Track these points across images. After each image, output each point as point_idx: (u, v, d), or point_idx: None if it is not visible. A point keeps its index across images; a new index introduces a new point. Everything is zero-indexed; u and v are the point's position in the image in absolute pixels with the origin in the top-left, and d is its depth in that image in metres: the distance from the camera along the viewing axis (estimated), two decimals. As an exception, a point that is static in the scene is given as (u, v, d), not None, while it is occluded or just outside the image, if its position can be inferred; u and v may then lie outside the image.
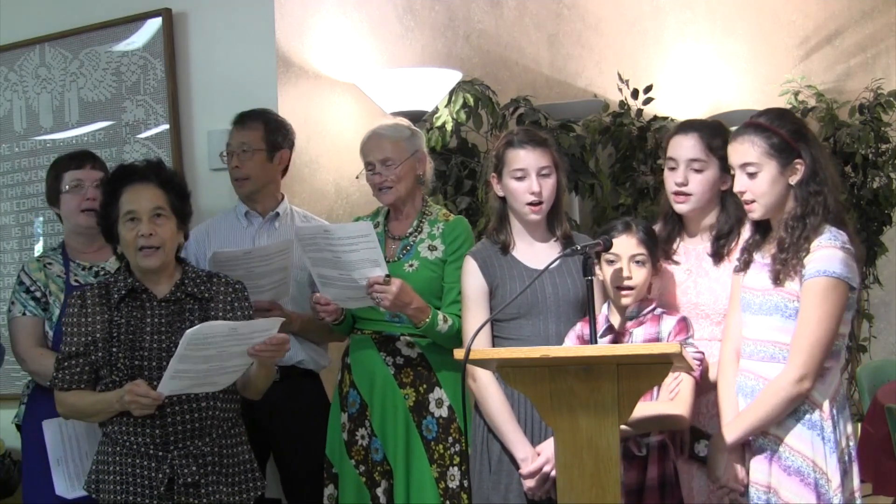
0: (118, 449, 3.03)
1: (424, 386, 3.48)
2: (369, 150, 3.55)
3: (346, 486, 3.53)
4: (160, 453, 2.99)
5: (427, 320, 3.38)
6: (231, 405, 3.12)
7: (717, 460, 2.93)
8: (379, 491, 3.48)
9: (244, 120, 3.84)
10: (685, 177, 3.10)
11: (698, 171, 3.09)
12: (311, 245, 3.34)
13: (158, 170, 3.13)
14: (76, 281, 3.60)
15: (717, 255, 3.12)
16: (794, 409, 2.84)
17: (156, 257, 3.04)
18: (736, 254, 3.07)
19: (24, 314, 3.57)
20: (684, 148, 3.11)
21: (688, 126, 3.19)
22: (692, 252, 3.18)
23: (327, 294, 3.41)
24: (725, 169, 3.04)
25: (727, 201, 3.12)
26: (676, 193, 3.12)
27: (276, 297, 3.62)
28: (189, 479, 2.98)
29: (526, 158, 3.19)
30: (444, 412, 3.46)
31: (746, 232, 3.07)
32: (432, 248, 3.51)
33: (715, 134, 3.12)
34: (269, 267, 3.53)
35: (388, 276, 3.30)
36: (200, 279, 3.14)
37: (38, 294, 3.58)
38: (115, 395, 2.99)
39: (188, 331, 2.83)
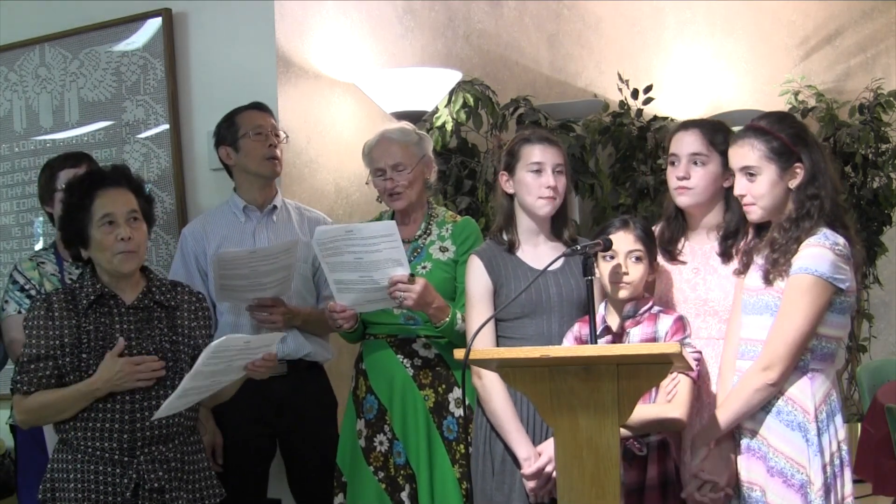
0: (79, 456, 2.98)
1: (443, 386, 3.47)
2: (379, 156, 3.52)
3: (364, 493, 3.49)
4: (125, 458, 2.96)
5: (447, 319, 3.37)
6: (193, 413, 3.11)
7: (696, 456, 2.91)
8: (403, 495, 3.44)
9: (263, 107, 3.83)
10: (687, 170, 3.11)
11: (699, 164, 3.11)
12: (330, 248, 3.30)
13: (128, 174, 3.12)
14: (71, 280, 3.58)
15: (726, 255, 3.12)
16: (778, 409, 2.83)
17: (134, 261, 3.05)
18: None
19: (19, 312, 3.55)
20: (685, 143, 3.13)
21: (689, 123, 3.22)
22: (698, 251, 3.17)
23: (344, 301, 3.37)
24: (727, 165, 3.05)
25: (732, 199, 3.10)
26: (678, 187, 3.13)
27: (278, 294, 3.62)
28: (155, 485, 2.96)
29: (543, 153, 3.19)
30: (463, 412, 3.44)
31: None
32: (443, 250, 3.50)
33: (716, 130, 3.15)
34: (273, 266, 3.53)
35: (411, 275, 3.29)
36: (165, 287, 3.14)
37: (32, 292, 3.57)
38: (96, 379, 2.93)
39: (210, 344, 2.82)
